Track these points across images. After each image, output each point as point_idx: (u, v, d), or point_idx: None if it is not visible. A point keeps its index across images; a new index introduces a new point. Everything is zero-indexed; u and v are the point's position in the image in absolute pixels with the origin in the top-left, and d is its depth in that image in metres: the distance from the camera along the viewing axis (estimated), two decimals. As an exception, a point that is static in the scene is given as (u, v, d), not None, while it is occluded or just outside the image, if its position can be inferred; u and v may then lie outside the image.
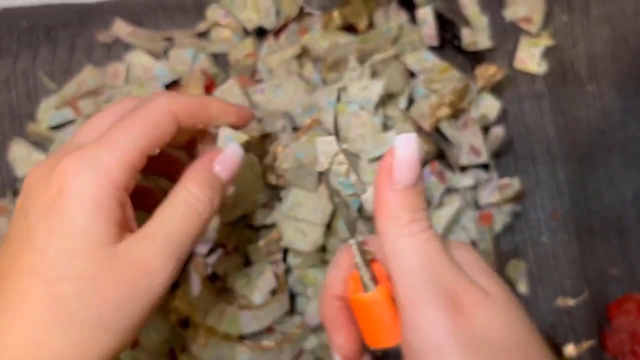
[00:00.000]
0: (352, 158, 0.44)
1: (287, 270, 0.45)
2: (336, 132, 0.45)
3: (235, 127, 0.37)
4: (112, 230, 0.30)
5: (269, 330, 0.45)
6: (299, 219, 0.43)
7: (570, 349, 0.48)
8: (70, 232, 0.29)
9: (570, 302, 0.47)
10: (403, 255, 0.30)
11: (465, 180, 0.48)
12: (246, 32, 0.51)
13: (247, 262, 0.45)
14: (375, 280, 0.32)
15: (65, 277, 0.29)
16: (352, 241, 0.33)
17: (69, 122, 0.50)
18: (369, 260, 0.33)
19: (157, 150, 0.32)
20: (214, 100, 0.36)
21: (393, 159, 0.31)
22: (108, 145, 0.31)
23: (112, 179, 0.30)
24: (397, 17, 0.51)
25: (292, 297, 0.46)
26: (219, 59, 0.51)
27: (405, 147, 0.31)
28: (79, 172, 0.30)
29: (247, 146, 0.37)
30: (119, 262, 0.30)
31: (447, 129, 0.47)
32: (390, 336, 0.31)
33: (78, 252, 0.29)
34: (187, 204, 0.33)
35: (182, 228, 0.32)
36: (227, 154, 0.35)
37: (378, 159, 0.43)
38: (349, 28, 0.51)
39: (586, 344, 0.48)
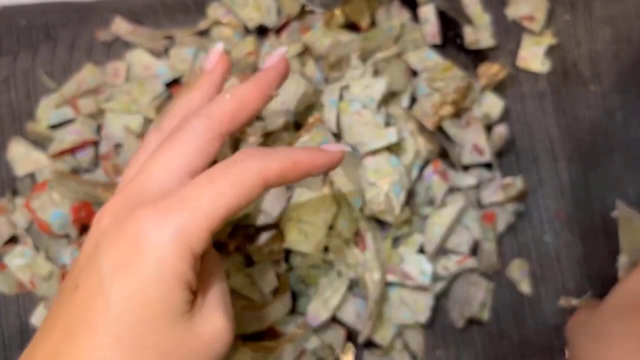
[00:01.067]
0: (355, 155, 0.44)
1: (289, 270, 0.45)
2: (338, 131, 0.45)
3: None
4: (188, 299, 0.29)
5: (269, 330, 0.44)
6: (301, 220, 0.43)
7: (573, 350, 0.47)
8: (148, 300, 0.28)
9: (574, 302, 0.47)
10: None
11: (468, 180, 0.47)
12: (247, 31, 0.51)
13: (249, 262, 0.45)
14: None
15: (145, 348, 0.28)
16: None
17: (69, 121, 0.49)
18: None
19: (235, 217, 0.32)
20: (304, 155, 0.32)
21: None
22: (194, 211, 0.29)
23: (193, 250, 0.29)
24: (399, 15, 0.50)
25: (294, 297, 0.45)
26: (220, 58, 0.51)
27: None
28: (159, 235, 0.28)
29: None
30: (197, 330, 0.29)
31: (449, 127, 0.47)
32: None
33: (157, 322, 0.28)
34: (218, 260, 0.33)
35: (225, 284, 0.32)
36: None
37: (375, 152, 0.43)
38: (351, 26, 0.50)
39: (589, 345, 0.47)
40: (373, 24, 0.50)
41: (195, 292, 0.30)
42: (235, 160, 0.30)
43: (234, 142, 0.45)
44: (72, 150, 0.48)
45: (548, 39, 0.51)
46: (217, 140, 0.32)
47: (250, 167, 0.30)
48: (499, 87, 0.50)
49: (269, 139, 0.44)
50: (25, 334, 0.48)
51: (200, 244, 0.29)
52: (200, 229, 0.29)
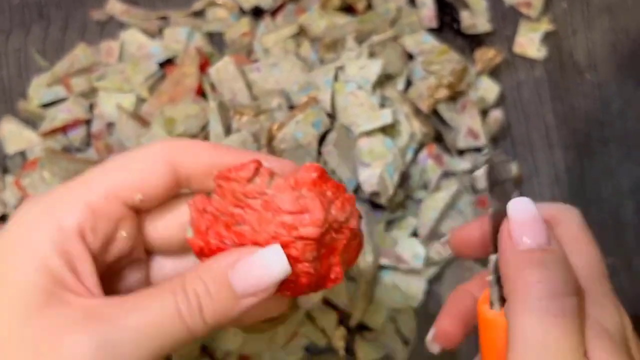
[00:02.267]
0: (349, 135, 0.44)
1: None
2: (333, 111, 0.44)
3: None
4: (46, 291, 0.23)
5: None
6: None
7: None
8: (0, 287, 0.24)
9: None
10: (524, 336, 0.24)
11: (462, 164, 0.47)
12: (242, 12, 0.51)
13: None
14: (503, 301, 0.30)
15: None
16: (492, 257, 0.29)
17: (61, 100, 0.49)
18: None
19: (139, 197, 0.26)
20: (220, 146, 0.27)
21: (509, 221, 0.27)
22: (71, 187, 0.25)
23: (62, 226, 0.24)
24: (396, -2, 0.50)
25: (286, 279, 0.45)
26: (215, 39, 0.51)
27: (521, 206, 0.27)
28: (28, 215, 0.25)
29: None
30: (37, 336, 0.23)
31: (445, 111, 0.47)
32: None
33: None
34: (177, 310, 0.24)
35: (154, 334, 0.24)
36: (257, 263, 0.25)
37: (369, 133, 0.43)
38: (347, 9, 0.50)
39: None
40: (369, 6, 0.50)
41: (85, 289, 0.25)
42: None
43: (226, 122, 0.44)
44: (64, 129, 0.48)
45: (545, 25, 0.51)
46: None
47: (152, 145, 0.26)
48: (495, 73, 0.50)
49: (261, 118, 0.44)
50: (13, 314, 0.47)
51: (75, 221, 0.25)
52: (76, 203, 0.25)
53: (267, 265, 0.25)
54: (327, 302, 0.45)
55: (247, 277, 0.25)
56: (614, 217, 0.49)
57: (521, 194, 0.48)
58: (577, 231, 0.28)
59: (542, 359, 0.23)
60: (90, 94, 0.48)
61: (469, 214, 0.46)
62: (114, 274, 0.28)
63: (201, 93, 0.47)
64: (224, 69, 0.45)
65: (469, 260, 0.47)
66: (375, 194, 0.43)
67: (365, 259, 0.43)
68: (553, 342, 0.23)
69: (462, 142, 0.47)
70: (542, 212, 0.27)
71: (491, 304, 0.30)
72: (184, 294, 0.24)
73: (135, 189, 0.26)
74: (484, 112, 0.48)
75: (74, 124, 0.47)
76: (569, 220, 0.28)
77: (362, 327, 0.45)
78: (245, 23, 0.49)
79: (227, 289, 0.25)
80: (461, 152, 0.48)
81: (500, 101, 0.49)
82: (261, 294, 0.25)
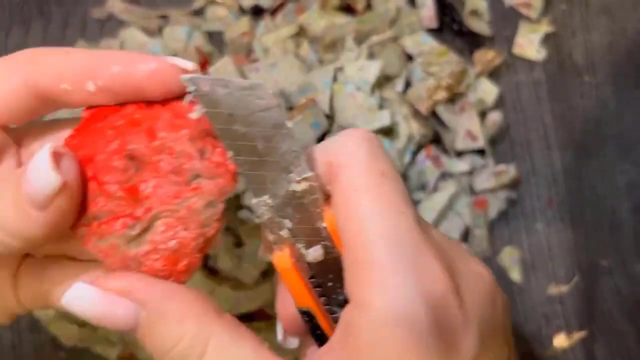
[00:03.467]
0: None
1: (279, 251, 0.45)
2: (331, 112, 0.45)
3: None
4: None
5: (259, 312, 0.44)
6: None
7: (561, 339, 0.47)
8: None
9: (564, 288, 0.47)
10: None
11: (461, 166, 0.47)
12: (242, 11, 0.51)
13: (238, 243, 0.45)
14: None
15: None
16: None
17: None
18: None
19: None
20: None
21: None
22: None
23: None
24: (395, -2, 0.50)
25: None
26: (215, 38, 0.51)
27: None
28: None
29: None
30: None
31: (443, 112, 0.47)
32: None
33: None
34: None
35: None
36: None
37: None
38: (347, 8, 0.50)
39: (577, 335, 0.48)
40: (369, 6, 0.50)
41: None
42: None
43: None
44: (63, 128, 0.48)
45: (545, 27, 0.51)
46: None
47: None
48: (494, 74, 0.50)
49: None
50: (12, 311, 0.47)
51: None
52: None
53: None
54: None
55: None
56: (610, 217, 0.49)
57: (519, 196, 0.48)
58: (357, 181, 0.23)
59: None
60: (89, 92, 0.49)
61: (466, 215, 0.46)
62: None
63: (200, 92, 0.47)
64: (223, 69, 0.45)
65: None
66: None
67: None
68: None
69: (461, 143, 0.47)
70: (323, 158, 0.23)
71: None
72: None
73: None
74: (483, 114, 0.48)
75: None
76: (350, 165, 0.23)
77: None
78: (245, 22, 0.49)
79: None
80: (459, 154, 0.48)
81: (499, 103, 0.50)
82: None
